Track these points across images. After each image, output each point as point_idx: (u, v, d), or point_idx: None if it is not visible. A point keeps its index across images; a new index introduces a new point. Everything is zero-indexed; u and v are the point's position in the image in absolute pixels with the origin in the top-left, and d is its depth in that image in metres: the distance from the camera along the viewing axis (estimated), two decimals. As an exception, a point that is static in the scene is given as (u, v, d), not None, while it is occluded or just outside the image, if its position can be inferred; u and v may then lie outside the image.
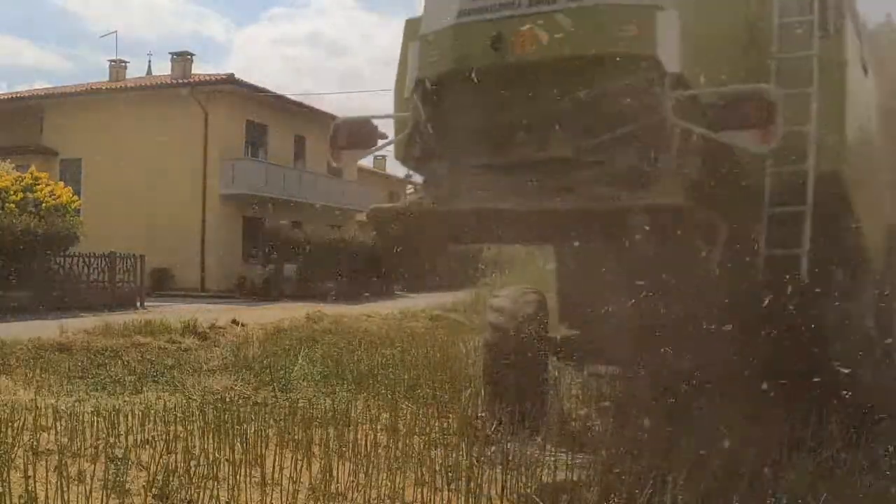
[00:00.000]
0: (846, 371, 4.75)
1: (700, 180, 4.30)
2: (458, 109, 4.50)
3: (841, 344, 4.92)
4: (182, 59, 29.25)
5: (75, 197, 20.23)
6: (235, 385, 7.03)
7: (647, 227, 4.03)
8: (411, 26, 5.05)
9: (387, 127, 5.43)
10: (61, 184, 20.56)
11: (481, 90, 4.27)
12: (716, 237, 4.25)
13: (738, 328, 4.67)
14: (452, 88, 4.42)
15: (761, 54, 4.77)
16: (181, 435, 4.88)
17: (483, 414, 5.53)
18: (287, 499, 3.90)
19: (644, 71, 3.99)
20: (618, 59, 3.99)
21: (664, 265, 4.68)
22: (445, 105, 4.51)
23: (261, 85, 28.52)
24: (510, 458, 4.37)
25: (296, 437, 4.90)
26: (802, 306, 4.67)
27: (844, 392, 4.78)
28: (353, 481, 4.11)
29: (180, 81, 28.08)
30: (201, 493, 3.83)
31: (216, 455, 4.47)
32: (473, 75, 4.23)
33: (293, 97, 31.83)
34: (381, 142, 5.31)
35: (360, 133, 5.23)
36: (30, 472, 3.82)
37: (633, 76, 4.00)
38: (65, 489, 3.70)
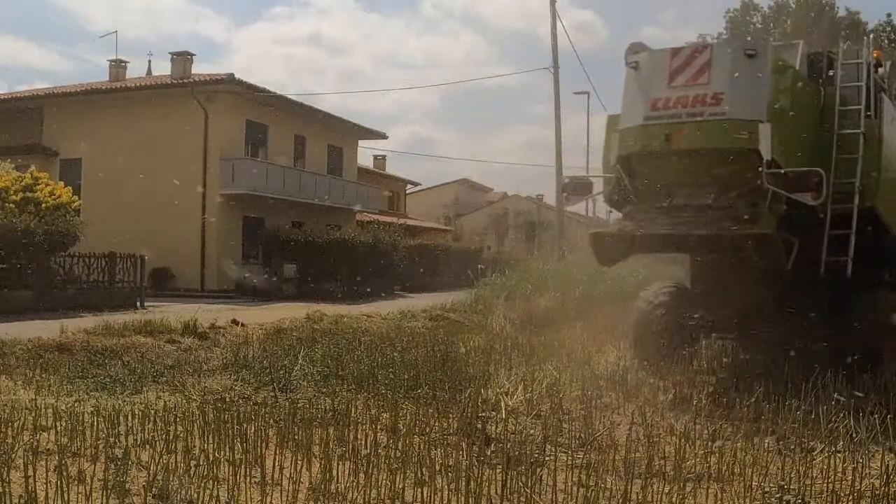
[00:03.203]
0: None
1: (784, 216, 7.03)
2: (644, 174, 7.55)
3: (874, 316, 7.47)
4: (182, 58, 29.23)
5: (75, 197, 20.23)
6: (235, 385, 7.02)
7: (751, 245, 7.00)
8: (611, 121, 8.23)
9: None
10: (61, 184, 20.56)
11: (658, 164, 7.37)
12: (789, 249, 6.95)
13: (806, 306, 7.74)
14: (641, 162, 7.50)
15: (829, 131, 7.67)
16: (181, 435, 4.88)
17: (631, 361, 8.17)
18: (287, 499, 3.90)
19: (751, 157, 6.77)
20: (736, 150, 6.88)
21: (762, 268, 7.42)
22: (636, 172, 7.59)
23: (261, 85, 28.56)
24: (510, 457, 4.37)
25: (296, 437, 4.90)
26: (847, 291, 7.59)
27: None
28: (353, 481, 4.11)
29: (180, 81, 28.07)
30: (201, 493, 3.82)
31: (216, 455, 4.47)
32: (654, 155, 7.31)
33: (293, 97, 31.89)
34: (595, 191, 8.59)
35: (582, 186, 8.79)
36: (30, 472, 3.82)
37: (744, 160, 6.84)
38: (65, 489, 3.70)
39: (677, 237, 7.52)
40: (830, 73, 8.07)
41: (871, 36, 8.49)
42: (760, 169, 6.75)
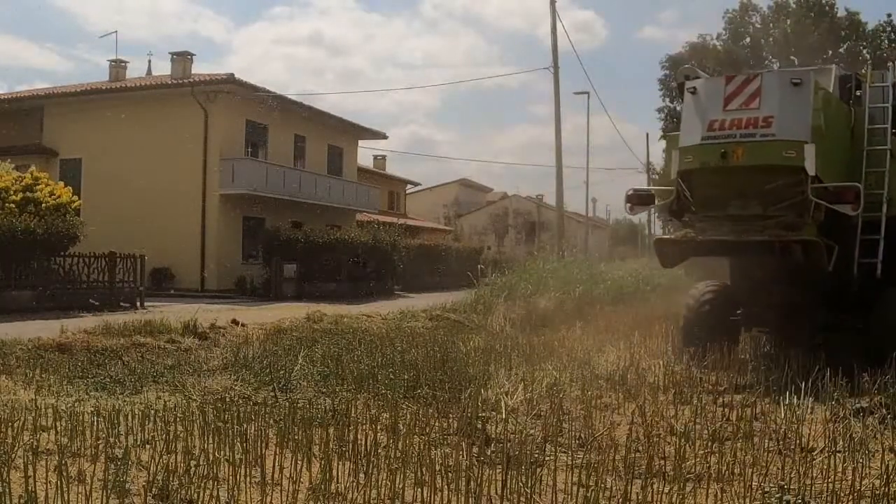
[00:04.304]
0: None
1: (824, 223, 8.03)
2: (701, 188, 8.44)
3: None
4: (182, 59, 29.23)
5: (75, 197, 20.22)
6: (235, 385, 7.01)
7: (798, 250, 8.07)
8: (671, 139, 9.58)
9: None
10: (61, 184, 20.55)
11: (715, 178, 8.24)
12: (830, 253, 7.92)
13: (841, 301, 8.85)
14: (699, 176, 8.36)
15: (859, 147, 8.61)
16: (181, 435, 4.88)
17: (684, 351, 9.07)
18: (287, 499, 3.90)
19: (797, 173, 7.72)
20: (784, 167, 7.78)
21: (798, 268, 8.45)
22: (695, 185, 8.46)
23: (261, 85, 28.56)
24: (510, 457, 4.37)
25: (296, 437, 4.90)
26: (878, 289, 8.50)
27: None
28: (353, 481, 4.11)
29: (180, 81, 28.07)
30: (201, 493, 3.82)
31: (216, 455, 4.46)
32: (711, 171, 8.14)
33: (293, 97, 31.90)
34: (656, 202, 9.57)
35: (644, 197, 9.69)
36: (30, 472, 3.82)
37: (791, 176, 7.80)
38: (65, 489, 3.70)
39: (733, 243, 8.55)
40: (858, 93, 8.95)
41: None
42: (806, 183, 7.72)
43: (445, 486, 4.01)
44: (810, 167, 7.60)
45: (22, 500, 3.63)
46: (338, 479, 4.14)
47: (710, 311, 9.47)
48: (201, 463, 4.28)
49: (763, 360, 8.45)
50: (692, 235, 8.86)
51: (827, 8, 39.60)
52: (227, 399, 6.41)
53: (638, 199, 9.66)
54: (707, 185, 8.35)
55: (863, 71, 9.36)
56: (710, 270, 12.06)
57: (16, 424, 5.02)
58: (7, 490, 3.69)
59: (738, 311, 9.73)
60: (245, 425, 5.07)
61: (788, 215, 8.07)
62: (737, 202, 8.26)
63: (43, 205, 18.82)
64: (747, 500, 4.01)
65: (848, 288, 8.68)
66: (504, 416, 5.67)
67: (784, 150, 7.72)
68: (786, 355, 7.72)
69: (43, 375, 7.44)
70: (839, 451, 4.85)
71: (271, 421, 5.39)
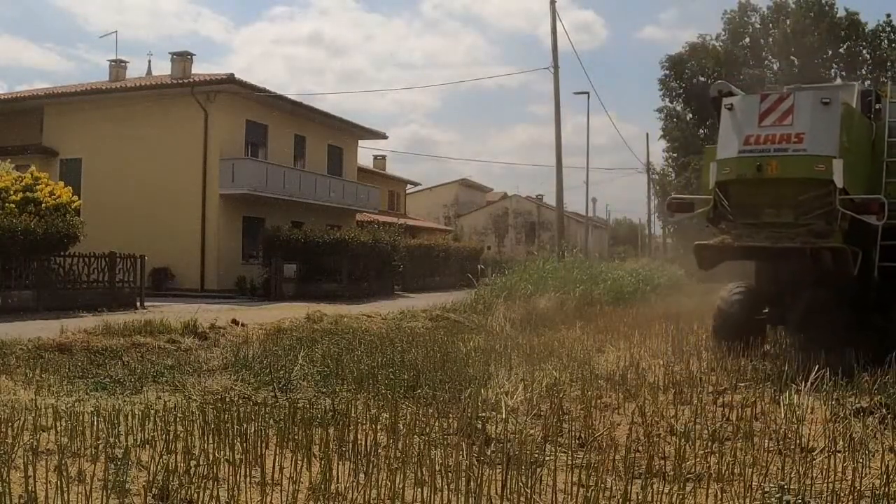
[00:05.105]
0: None
1: (847, 231, 8.67)
2: (738, 197, 9.05)
3: None
4: (182, 58, 29.21)
5: (75, 197, 20.21)
6: (235, 385, 7.02)
7: (828, 256, 8.56)
8: (709, 151, 10.17)
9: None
10: (61, 184, 20.54)
11: (750, 189, 8.86)
12: (856, 258, 8.48)
13: (863, 302, 9.24)
14: (736, 187, 8.98)
15: (879, 159, 9.15)
16: (181, 435, 4.88)
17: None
18: (287, 499, 3.90)
19: (826, 185, 8.34)
20: (814, 180, 8.39)
21: (822, 271, 8.87)
22: (731, 194, 9.06)
23: (261, 85, 28.55)
24: (510, 457, 4.37)
25: (296, 437, 4.90)
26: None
27: None
28: (353, 481, 4.11)
29: (180, 81, 28.06)
30: (201, 493, 3.82)
31: (216, 455, 4.46)
32: (747, 182, 8.76)
33: (293, 97, 31.87)
34: (696, 209, 9.90)
35: (683, 204, 10.43)
36: (30, 472, 3.82)
37: (821, 188, 8.40)
38: (65, 489, 3.70)
39: (768, 248, 9.08)
40: (878, 107, 9.53)
41: None
42: (834, 195, 8.31)
43: (445, 486, 4.01)
44: (838, 180, 8.18)
45: (22, 500, 3.64)
46: (338, 479, 4.14)
47: (738, 311, 10.01)
48: (201, 463, 4.28)
49: (763, 359, 8.45)
50: (729, 241, 9.44)
51: (827, 8, 39.61)
52: (227, 399, 6.41)
53: (677, 207, 10.41)
54: (743, 194, 8.95)
55: (881, 88, 9.88)
56: (712, 272, 12.21)
57: (16, 424, 5.02)
58: (7, 490, 3.69)
59: (765, 311, 10.28)
60: (245, 425, 5.07)
61: (818, 224, 8.63)
62: (770, 211, 8.87)
63: (43, 205, 18.81)
64: (747, 500, 4.01)
65: (868, 290, 9.20)
66: (504, 416, 5.67)
67: (814, 165, 8.30)
68: (786, 355, 7.73)
69: (43, 375, 7.44)
70: (839, 451, 4.85)
71: (271, 421, 5.39)
